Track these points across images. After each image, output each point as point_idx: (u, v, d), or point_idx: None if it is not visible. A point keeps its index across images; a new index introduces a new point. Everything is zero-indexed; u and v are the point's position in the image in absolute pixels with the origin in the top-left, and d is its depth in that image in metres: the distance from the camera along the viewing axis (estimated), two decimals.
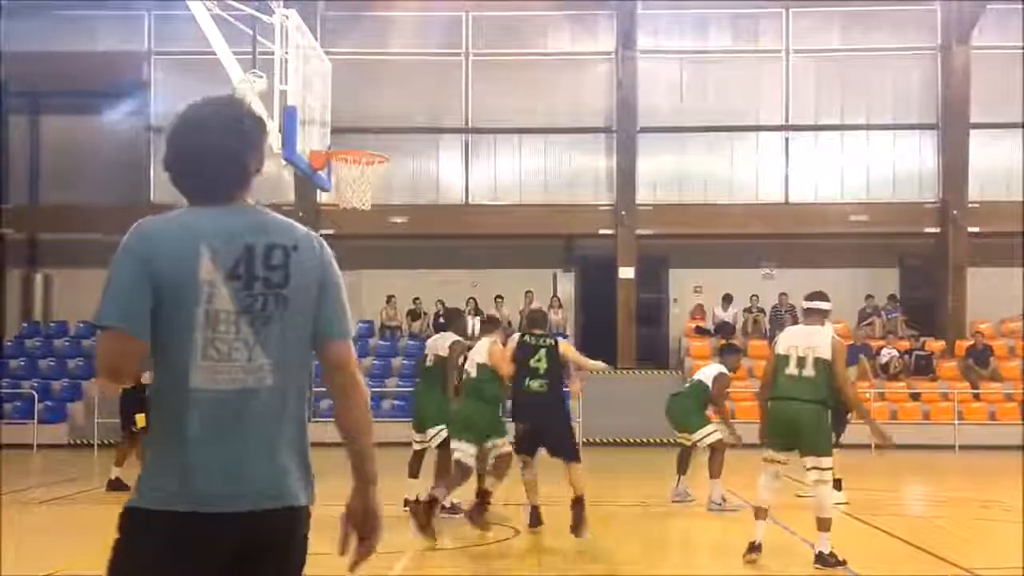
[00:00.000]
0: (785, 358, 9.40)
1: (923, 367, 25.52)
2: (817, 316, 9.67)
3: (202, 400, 3.13)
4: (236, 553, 3.13)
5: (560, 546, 10.62)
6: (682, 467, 13.80)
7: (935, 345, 26.24)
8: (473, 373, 11.27)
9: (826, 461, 9.25)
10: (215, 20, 13.85)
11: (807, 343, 9.41)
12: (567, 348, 11.54)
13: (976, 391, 25.04)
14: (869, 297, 26.73)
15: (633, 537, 11.52)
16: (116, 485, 14.08)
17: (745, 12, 27.95)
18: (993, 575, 8.98)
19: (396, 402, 24.74)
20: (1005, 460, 20.47)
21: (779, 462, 9.53)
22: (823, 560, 9.21)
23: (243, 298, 3.18)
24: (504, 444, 11.07)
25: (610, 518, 12.39)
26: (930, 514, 13.75)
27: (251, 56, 14.03)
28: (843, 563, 9.15)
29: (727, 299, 27.19)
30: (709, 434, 13.38)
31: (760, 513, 9.49)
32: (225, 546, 3.12)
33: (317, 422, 22.79)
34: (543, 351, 11.01)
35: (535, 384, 10.93)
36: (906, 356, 25.43)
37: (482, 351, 11.35)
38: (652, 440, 20.86)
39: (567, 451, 10.98)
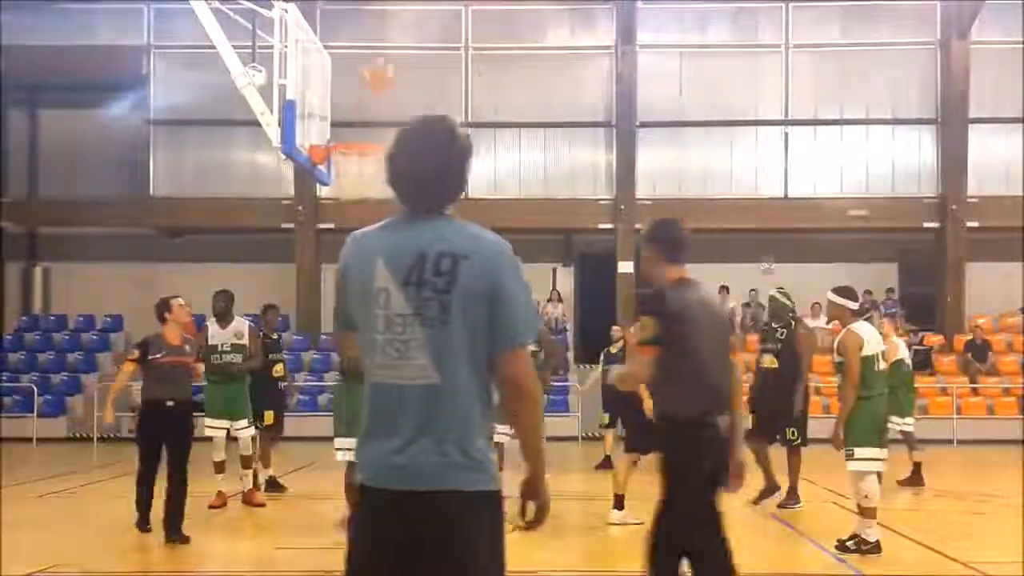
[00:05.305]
0: (873, 357, 9.61)
1: (922, 362, 25.50)
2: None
3: (381, 393, 3.56)
4: (408, 527, 3.49)
5: (546, 539, 10.64)
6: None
7: (934, 340, 26.24)
8: None
9: None
10: (214, 14, 13.88)
11: (879, 340, 9.91)
12: None
13: (974, 386, 25.06)
14: (867, 292, 26.72)
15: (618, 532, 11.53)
16: (272, 485, 13.80)
17: (745, 7, 27.94)
18: (991, 569, 8.99)
19: None
20: (1003, 454, 20.49)
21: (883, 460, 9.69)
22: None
23: (415, 302, 3.50)
24: None
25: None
26: (928, 508, 13.76)
27: (250, 50, 14.06)
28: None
29: (723, 290, 27.20)
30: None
31: (873, 513, 9.59)
32: (409, 520, 3.49)
33: (314, 416, 22.71)
34: None
35: None
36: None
37: None
38: None
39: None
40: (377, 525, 3.55)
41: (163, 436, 10.30)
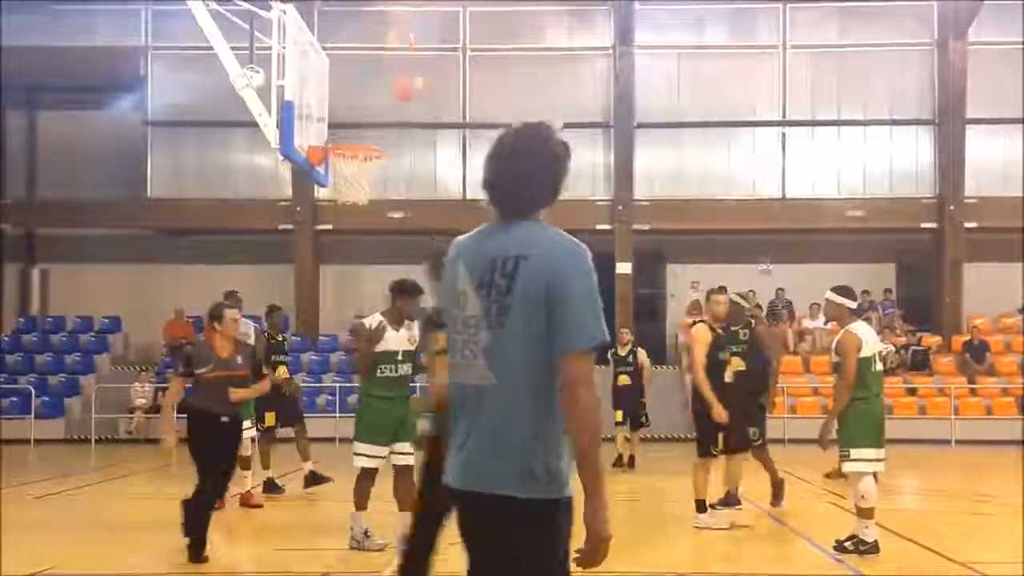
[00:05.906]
0: (871, 358, 9.59)
1: (920, 362, 25.54)
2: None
3: (458, 393, 3.64)
4: (473, 527, 3.58)
5: None
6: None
7: (932, 340, 26.25)
8: None
9: None
10: (212, 15, 13.87)
11: (878, 340, 9.95)
12: None
13: (973, 386, 25.07)
14: (865, 292, 26.73)
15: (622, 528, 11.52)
16: (271, 487, 13.72)
17: (742, 7, 27.94)
18: (989, 570, 8.99)
19: None
20: (1001, 455, 20.51)
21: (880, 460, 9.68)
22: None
23: (485, 305, 3.56)
24: None
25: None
26: (926, 508, 13.77)
27: (248, 51, 14.04)
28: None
29: (722, 290, 27.13)
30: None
31: (871, 513, 9.58)
32: (465, 518, 3.60)
33: (312, 417, 22.59)
34: None
35: None
36: (903, 351, 25.42)
37: None
38: (651, 436, 20.84)
39: None
40: (459, 521, 3.65)
41: (215, 448, 9.46)
